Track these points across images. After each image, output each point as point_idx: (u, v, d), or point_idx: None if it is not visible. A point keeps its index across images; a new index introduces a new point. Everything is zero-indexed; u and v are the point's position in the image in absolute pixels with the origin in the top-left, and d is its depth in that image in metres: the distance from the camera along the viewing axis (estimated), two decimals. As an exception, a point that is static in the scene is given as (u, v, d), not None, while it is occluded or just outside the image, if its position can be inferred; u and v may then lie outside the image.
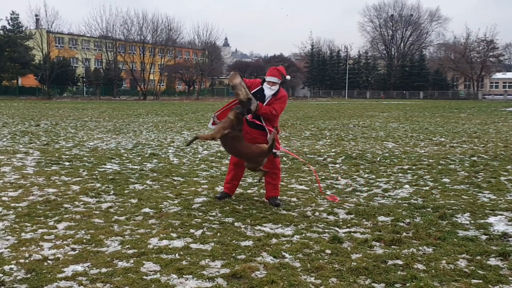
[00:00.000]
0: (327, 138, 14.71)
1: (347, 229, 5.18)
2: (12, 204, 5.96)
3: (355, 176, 8.29)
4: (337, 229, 5.20)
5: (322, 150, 11.63)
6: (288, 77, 6.31)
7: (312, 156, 10.65)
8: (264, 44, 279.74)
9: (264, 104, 6.10)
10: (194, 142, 6.37)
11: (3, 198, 6.25)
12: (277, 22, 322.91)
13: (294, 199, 6.60)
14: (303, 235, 4.97)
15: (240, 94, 5.90)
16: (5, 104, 39.72)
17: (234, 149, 6.03)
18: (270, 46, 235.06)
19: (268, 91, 6.19)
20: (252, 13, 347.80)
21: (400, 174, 8.44)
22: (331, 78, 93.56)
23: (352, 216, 5.71)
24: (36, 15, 68.22)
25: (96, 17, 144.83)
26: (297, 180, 7.93)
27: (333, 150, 11.73)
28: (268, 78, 6.20)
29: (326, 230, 5.13)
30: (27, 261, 4.10)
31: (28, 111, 29.45)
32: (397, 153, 11.19)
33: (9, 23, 68.94)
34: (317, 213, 5.83)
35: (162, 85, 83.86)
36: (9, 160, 9.53)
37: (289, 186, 7.45)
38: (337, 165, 9.45)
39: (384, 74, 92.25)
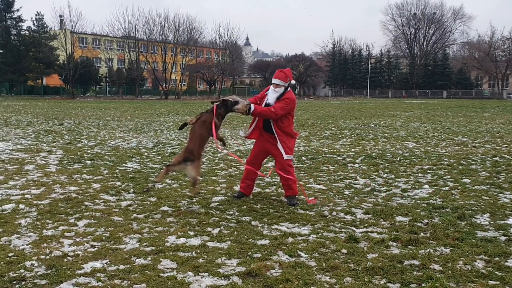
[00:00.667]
0: (347, 137, 14.65)
1: (364, 229, 5.16)
2: (35, 202, 6.09)
3: (374, 176, 8.24)
4: (354, 228, 5.19)
5: (341, 150, 11.59)
6: (292, 81, 6.33)
7: (331, 155, 10.62)
8: (285, 43, 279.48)
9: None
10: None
11: (26, 196, 6.40)
12: (299, 21, 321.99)
13: (311, 198, 6.60)
14: (320, 234, 4.97)
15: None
16: (30, 104, 40.49)
17: (193, 129, 6.14)
18: (291, 45, 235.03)
19: (272, 94, 6.20)
20: (274, 12, 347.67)
21: (419, 174, 8.37)
22: (353, 77, 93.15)
23: (369, 216, 5.69)
24: (60, 16, 69.44)
25: (119, 17, 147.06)
26: (316, 179, 7.93)
27: (352, 149, 11.68)
28: (273, 80, 6.24)
29: (343, 230, 5.13)
30: (47, 257, 4.19)
31: (52, 110, 29.98)
32: (417, 153, 11.08)
33: (34, 24, 70.47)
34: (334, 213, 5.82)
35: (184, 85, 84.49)
36: (32, 158, 9.73)
37: (307, 185, 7.45)
38: (356, 165, 9.41)
39: (407, 73, 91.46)
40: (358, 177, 8.11)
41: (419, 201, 6.38)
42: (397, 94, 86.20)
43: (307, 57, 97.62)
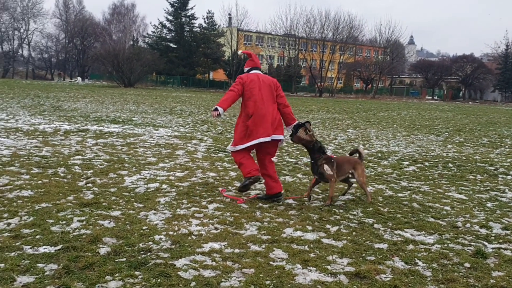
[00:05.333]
0: (506, 146, 13.34)
1: (497, 245, 4.72)
2: (176, 183, 6.68)
3: (526, 190, 7.43)
4: (485, 243, 4.78)
5: (495, 159, 10.61)
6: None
7: (482, 164, 9.79)
8: (453, 43, 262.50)
9: None
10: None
11: (170, 177, 7.04)
12: (469, 20, 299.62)
13: (447, 207, 6.19)
14: (445, 245, 4.67)
15: None
16: (196, 96, 43.85)
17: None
18: (460, 45, 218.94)
19: None
20: (442, 10, 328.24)
21: None
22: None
23: (507, 231, 5.18)
24: (229, 14, 73.90)
25: (281, 16, 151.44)
26: (457, 188, 7.41)
27: (509, 160, 10.62)
28: None
29: (472, 243, 4.75)
30: (175, 233, 4.59)
31: (214, 102, 32.09)
32: None
33: (205, 22, 76.09)
34: (468, 225, 5.41)
35: (340, 83, 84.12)
36: (185, 144, 10.63)
37: (446, 194, 7.00)
38: (509, 177, 8.56)
39: None
40: (506, 190, 7.38)
41: None
42: None
43: (476, 58, 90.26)
